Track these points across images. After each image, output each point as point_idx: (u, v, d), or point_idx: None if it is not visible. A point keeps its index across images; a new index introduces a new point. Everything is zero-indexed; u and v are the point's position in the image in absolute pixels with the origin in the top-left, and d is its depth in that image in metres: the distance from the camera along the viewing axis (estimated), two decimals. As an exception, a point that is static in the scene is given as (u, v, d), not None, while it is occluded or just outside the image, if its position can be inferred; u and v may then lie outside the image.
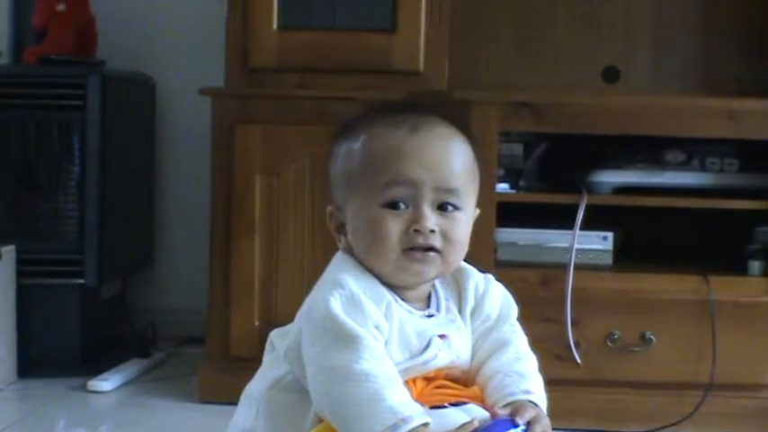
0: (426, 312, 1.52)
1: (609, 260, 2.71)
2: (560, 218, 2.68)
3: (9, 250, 2.95)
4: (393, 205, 1.46)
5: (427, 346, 1.49)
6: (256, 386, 1.55)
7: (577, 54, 3.12)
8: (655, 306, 2.64)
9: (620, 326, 2.64)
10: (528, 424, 1.42)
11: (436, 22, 2.80)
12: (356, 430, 1.37)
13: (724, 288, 2.62)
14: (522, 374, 1.51)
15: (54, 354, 3.03)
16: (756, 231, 2.68)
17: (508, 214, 2.65)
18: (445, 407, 1.44)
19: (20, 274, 2.98)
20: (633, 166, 2.73)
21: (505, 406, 1.46)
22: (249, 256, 2.76)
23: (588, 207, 2.64)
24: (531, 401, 1.47)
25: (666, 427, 2.60)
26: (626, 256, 2.74)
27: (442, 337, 1.51)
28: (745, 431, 2.62)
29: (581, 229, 2.64)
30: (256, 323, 2.76)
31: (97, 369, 2.98)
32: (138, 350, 3.19)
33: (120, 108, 3.14)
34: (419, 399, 1.44)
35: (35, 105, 3.03)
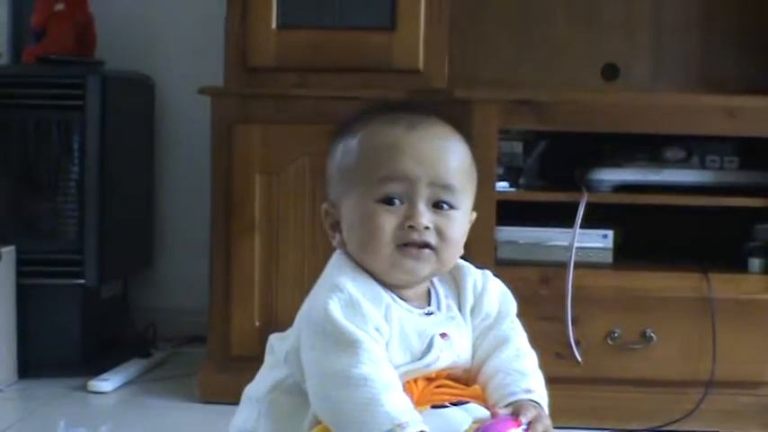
0: (426, 310, 1.52)
1: (609, 258, 2.71)
2: (560, 216, 2.67)
3: (9, 250, 2.95)
4: (388, 201, 1.47)
5: (429, 348, 1.49)
6: (257, 388, 1.55)
7: (577, 52, 3.12)
8: (655, 304, 2.64)
9: (620, 324, 2.64)
10: (529, 424, 1.42)
11: (436, 20, 2.80)
12: None
13: (724, 285, 2.62)
14: (523, 373, 1.52)
15: (54, 354, 3.03)
16: (756, 229, 2.67)
17: (508, 212, 2.65)
18: (446, 406, 1.44)
19: (20, 274, 2.98)
20: (633, 164, 2.73)
21: (507, 406, 1.46)
22: (249, 255, 2.76)
23: (588, 205, 2.64)
24: (532, 400, 1.47)
25: (667, 424, 2.60)
26: (626, 254, 2.74)
27: (443, 335, 1.51)
28: (745, 428, 2.62)
29: (581, 227, 2.64)
30: (257, 323, 2.76)
31: (98, 369, 2.98)
32: (139, 350, 3.19)
33: (119, 108, 3.14)
34: (420, 398, 1.44)
35: (34, 105, 3.03)
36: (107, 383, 2.90)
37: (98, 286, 3.09)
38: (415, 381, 1.47)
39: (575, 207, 2.64)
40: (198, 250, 3.14)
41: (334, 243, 1.54)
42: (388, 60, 2.79)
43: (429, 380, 1.49)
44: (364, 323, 1.42)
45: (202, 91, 2.80)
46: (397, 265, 1.47)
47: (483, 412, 1.45)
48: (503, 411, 1.44)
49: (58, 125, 3.02)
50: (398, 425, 1.35)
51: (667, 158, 2.74)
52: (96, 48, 3.31)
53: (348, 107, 1.59)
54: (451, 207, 1.49)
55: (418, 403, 1.43)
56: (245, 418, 1.54)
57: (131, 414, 2.71)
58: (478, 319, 1.57)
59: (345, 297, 1.44)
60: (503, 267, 2.61)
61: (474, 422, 1.42)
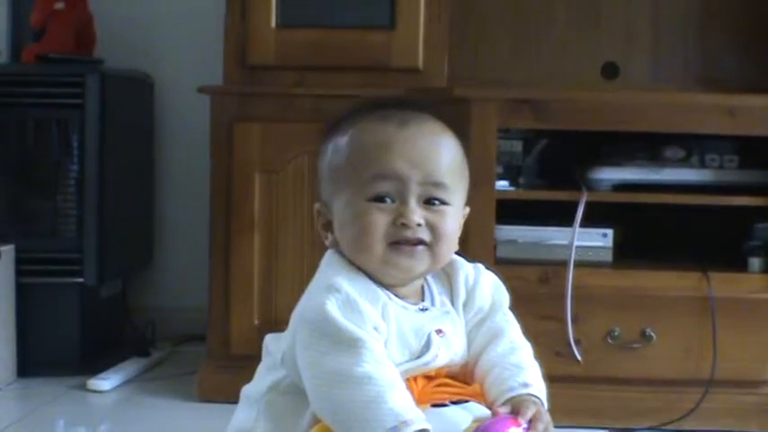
0: (420, 306, 1.52)
1: (609, 257, 2.70)
2: (560, 215, 2.67)
3: (8, 249, 2.94)
4: (379, 199, 1.46)
5: (428, 347, 1.49)
6: (255, 388, 1.55)
7: (577, 51, 3.12)
8: (655, 303, 2.64)
9: (620, 323, 2.63)
10: (529, 422, 1.42)
11: (435, 19, 2.80)
12: None
13: (724, 285, 2.62)
14: (520, 366, 1.51)
15: (53, 353, 3.03)
16: (756, 228, 2.67)
17: (508, 211, 2.65)
18: (446, 405, 1.44)
19: (19, 273, 2.98)
20: (633, 163, 2.73)
21: (506, 402, 1.46)
22: (248, 253, 2.76)
23: (588, 204, 2.64)
24: (530, 394, 1.47)
25: (667, 423, 2.60)
26: (626, 253, 2.74)
27: (438, 332, 1.51)
28: (746, 427, 2.62)
29: (581, 226, 2.64)
30: (256, 321, 2.76)
31: (97, 368, 2.98)
32: (138, 349, 3.19)
33: (118, 106, 3.14)
34: (420, 397, 1.44)
35: (34, 104, 3.03)
36: (106, 382, 2.90)
37: (97, 285, 3.09)
38: (415, 379, 1.47)
39: (574, 206, 2.64)
40: (197, 249, 3.14)
41: (327, 243, 1.53)
42: (387, 59, 2.79)
43: (429, 378, 1.49)
44: (363, 322, 1.42)
45: (202, 90, 2.80)
46: (390, 263, 1.47)
47: (483, 411, 1.45)
48: (502, 409, 1.44)
49: (58, 124, 3.02)
50: (403, 422, 1.35)
51: (667, 157, 2.74)
52: (96, 46, 3.31)
53: (347, 106, 1.58)
54: (443, 203, 1.49)
55: (418, 402, 1.43)
56: (244, 419, 1.54)
57: (130, 413, 2.71)
58: (471, 313, 1.57)
59: (343, 297, 1.43)
60: (502, 266, 2.59)
61: (474, 421, 1.42)
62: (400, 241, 1.46)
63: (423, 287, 1.55)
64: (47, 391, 2.86)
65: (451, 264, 1.57)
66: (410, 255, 1.47)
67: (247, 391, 1.57)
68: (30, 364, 3.00)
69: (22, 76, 3.07)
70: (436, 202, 1.48)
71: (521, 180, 2.74)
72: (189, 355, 3.22)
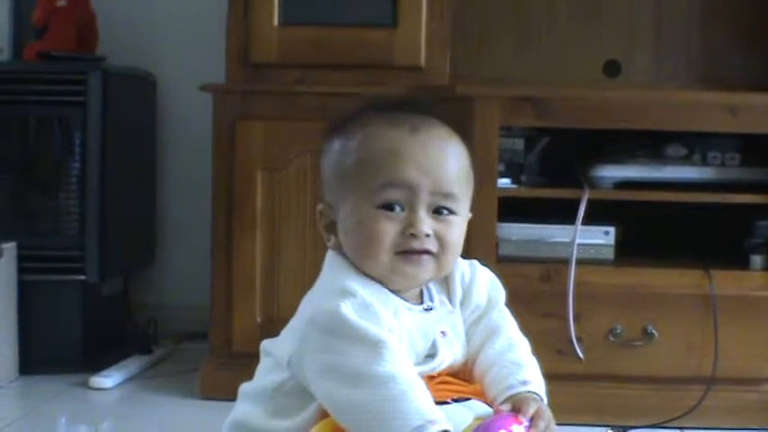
0: (424, 306, 1.52)
1: (611, 255, 2.70)
2: (562, 213, 2.67)
3: (10, 247, 2.95)
4: (388, 207, 1.45)
5: (435, 353, 1.49)
6: (256, 386, 1.53)
7: (579, 48, 3.12)
8: (657, 300, 2.64)
9: (622, 320, 2.64)
10: (531, 419, 1.42)
11: (437, 16, 2.80)
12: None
13: (726, 282, 2.62)
14: (518, 363, 1.51)
15: (55, 350, 3.03)
16: (758, 225, 2.67)
17: (509, 209, 2.65)
18: (448, 403, 1.44)
19: (21, 270, 2.98)
20: (635, 161, 2.73)
21: (506, 400, 1.46)
22: (251, 251, 2.76)
23: (590, 202, 2.64)
24: (530, 392, 1.47)
25: (669, 421, 2.60)
26: (628, 251, 2.74)
27: (442, 334, 1.51)
28: (747, 425, 2.62)
29: (583, 223, 2.64)
30: (258, 319, 2.76)
31: (99, 366, 2.98)
32: (140, 347, 3.19)
33: (121, 104, 3.14)
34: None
35: (36, 102, 3.03)
36: (108, 380, 2.90)
37: (99, 283, 3.09)
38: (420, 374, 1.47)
39: (576, 204, 2.64)
40: (199, 246, 3.14)
41: (329, 245, 1.52)
42: (389, 57, 2.79)
43: (430, 376, 1.49)
44: (380, 324, 1.41)
45: (204, 88, 2.80)
46: (396, 271, 1.46)
47: (484, 409, 1.45)
48: (503, 407, 1.44)
49: (60, 121, 3.03)
50: (429, 421, 1.34)
51: (669, 155, 2.74)
52: (98, 44, 3.31)
53: (350, 104, 1.58)
54: (451, 213, 1.48)
55: (420, 400, 1.42)
56: (246, 412, 1.53)
57: (132, 411, 2.71)
58: (468, 310, 1.57)
59: (359, 301, 1.42)
60: (504, 264, 2.62)
61: (475, 419, 1.42)
62: (407, 251, 1.46)
63: (421, 287, 1.55)
64: (49, 389, 2.86)
65: None
66: (417, 264, 1.46)
67: (248, 388, 1.56)
68: (31, 361, 3.00)
69: (24, 73, 3.08)
70: (444, 212, 1.47)
71: (523, 178, 2.74)
72: (191, 352, 3.22)
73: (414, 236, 1.45)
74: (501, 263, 2.62)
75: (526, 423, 1.41)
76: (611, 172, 2.71)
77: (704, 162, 2.72)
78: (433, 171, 1.46)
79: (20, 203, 3.07)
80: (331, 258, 1.52)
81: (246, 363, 1.59)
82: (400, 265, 1.46)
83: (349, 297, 1.42)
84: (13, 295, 2.95)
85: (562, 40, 3.13)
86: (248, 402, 1.54)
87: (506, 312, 1.59)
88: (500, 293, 1.60)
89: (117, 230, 3.13)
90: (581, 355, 2.63)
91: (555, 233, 2.70)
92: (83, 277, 3.04)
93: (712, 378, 2.60)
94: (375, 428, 1.36)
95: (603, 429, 2.60)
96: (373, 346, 1.38)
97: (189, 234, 3.46)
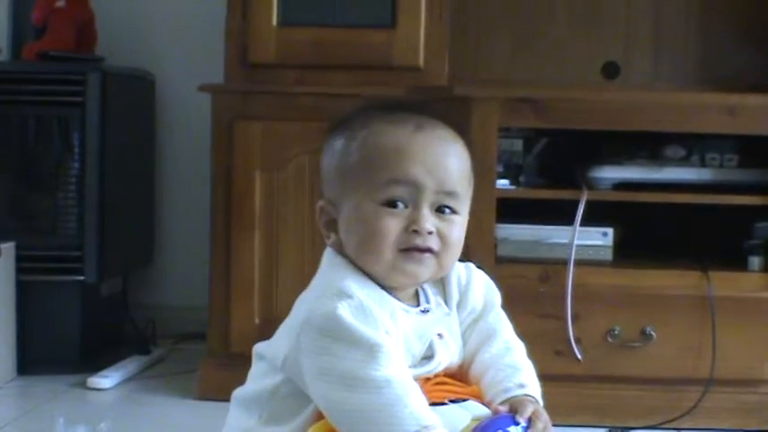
0: (421, 308, 1.52)
1: (609, 256, 2.71)
2: (560, 214, 2.67)
3: (9, 247, 2.95)
4: (392, 204, 1.45)
5: (431, 355, 1.49)
6: (250, 391, 1.52)
7: (577, 50, 3.13)
8: (655, 301, 2.64)
9: (620, 321, 2.64)
10: (529, 420, 1.42)
11: (436, 17, 2.80)
12: None
13: (724, 283, 2.62)
14: (515, 367, 1.51)
15: (54, 351, 3.03)
16: (756, 227, 2.67)
17: (508, 210, 2.65)
18: (445, 404, 1.44)
19: (19, 270, 2.98)
20: (633, 162, 2.73)
21: (503, 403, 1.46)
22: (249, 252, 2.76)
23: (588, 203, 2.64)
24: (527, 395, 1.47)
25: (667, 422, 2.60)
26: (626, 252, 2.74)
27: (439, 336, 1.51)
28: (745, 426, 2.62)
29: (581, 224, 2.64)
30: (257, 320, 2.76)
31: (97, 366, 2.98)
32: (138, 347, 3.19)
33: (119, 104, 3.14)
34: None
35: (35, 102, 3.03)
36: (106, 380, 2.90)
37: (98, 283, 3.09)
38: (414, 379, 1.47)
39: (575, 205, 2.64)
40: (198, 247, 3.14)
41: (329, 243, 1.52)
42: (388, 58, 2.79)
43: (427, 377, 1.49)
44: (376, 327, 1.41)
45: (203, 88, 2.80)
46: (398, 269, 1.46)
47: (482, 410, 1.45)
48: (501, 408, 1.44)
49: (59, 121, 3.03)
50: (424, 426, 1.34)
51: (667, 156, 2.74)
52: (97, 44, 3.31)
53: (349, 104, 1.58)
54: (453, 212, 1.48)
55: (418, 401, 1.42)
56: (241, 419, 1.52)
57: (130, 411, 2.71)
58: (465, 313, 1.57)
59: (356, 303, 1.41)
60: (503, 265, 2.62)
61: (473, 420, 1.42)
62: (410, 248, 1.46)
63: (417, 289, 1.55)
64: (47, 389, 2.86)
65: None
66: (418, 262, 1.46)
67: (241, 394, 1.55)
68: (30, 361, 3.00)
69: (23, 73, 3.07)
70: (447, 211, 1.48)
71: (521, 179, 2.74)
72: (189, 353, 3.22)
73: (416, 232, 1.45)
74: (499, 264, 2.62)
75: (524, 424, 1.41)
76: (610, 173, 2.72)
77: (702, 163, 2.73)
78: (437, 169, 1.46)
79: (18, 203, 3.06)
80: (329, 257, 1.52)
81: (244, 364, 1.59)
82: (402, 263, 1.46)
83: (346, 299, 1.42)
84: (11, 295, 2.95)
85: (561, 41, 3.13)
86: (243, 410, 1.53)
87: (503, 315, 1.59)
88: (496, 296, 1.60)
89: (115, 231, 3.13)
90: (579, 356, 2.63)
91: (553, 234, 2.70)
92: (81, 277, 3.04)
93: (710, 379, 2.60)
94: None
95: (602, 430, 2.60)
96: (369, 349, 1.38)
97: (187, 234, 3.46)
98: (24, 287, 2.99)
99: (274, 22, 2.80)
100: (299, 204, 2.74)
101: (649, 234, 2.86)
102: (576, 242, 2.64)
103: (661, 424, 2.60)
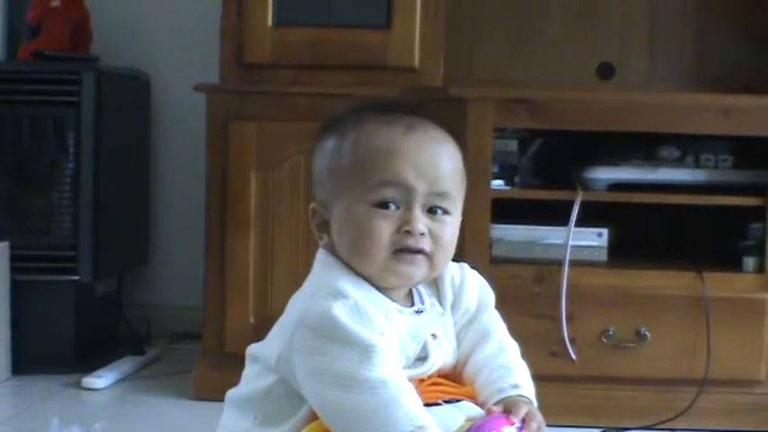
0: (415, 308, 1.52)
1: (604, 256, 2.71)
2: (555, 214, 2.68)
3: (3, 246, 2.94)
4: (384, 205, 1.45)
5: (425, 355, 1.49)
6: (244, 392, 1.52)
7: (572, 50, 3.13)
8: (649, 302, 2.64)
9: (614, 322, 2.64)
10: (523, 421, 1.42)
11: (431, 18, 2.80)
12: None
13: (718, 284, 2.63)
14: (508, 367, 1.52)
15: (48, 350, 3.03)
16: (750, 228, 2.68)
17: (503, 211, 2.65)
18: (440, 404, 1.44)
19: (14, 270, 2.98)
20: (628, 163, 2.73)
21: (497, 403, 1.46)
22: (244, 252, 2.76)
23: (583, 203, 2.64)
24: (521, 395, 1.47)
25: (661, 422, 2.60)
26: (621, 253, 2.74)
27: (433, 336, 1.50)
28: (739, 427, 2.62)
29: (576, 225, 2.64)
30: (251, 320, 2.76)
31: (91, 366, 2.98)
32: (133, 347, 3.19)
33: (114, 104, 3.14)
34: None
35: (29, 101, 3.03)
36: (101, 380, 2.90)
37: (92, 283, 3.09)
38: (410, 378, 1.47)
39: (569, 205, 2.64)
40: (193, 247, 3.14)
41: (321, 244, 1.52)
42: (383, 58, 2.79)
43: (421, 378, 1.49)
44: (371, 328, 1.41)
45: (198, 88, 2.80)
46: (390, 270, 1.46)
47: (476, 410, 1.45)
48: (495, 409, 1.44)
49: (53, 121, 3.02)
50: (419, 427, 1.35)
51: (662, 157, 2.75)
52: (92, 44, 3.30)
53: (343, 105, 1.58)
54: (445, 212, 1.48)
55: (413, 401, 1.42)
56: (236, 421, 1.52)
57: (125, 411, 2.71)
58: (459, 314, 1.57)
59: (351, 303, 1.41)
60: (497, 265, 2.62)
61: (467, 420, 1.42)
62: (402, 249, 1.45)
63: (411, 289, 1.55)
64: (41, 389, 2.86)
65: None
66: (410, 263, 1.46)
67: (235, 395, 1.55)
68: (24, 361, 2.99)
69: (18, 73, 3.07)
70: (439, 211, 1.48)
71: (516, 179, 2.74)
72: (184, 353, 3.22)
73: (409, 233, 1.45)
74: (494, 264, 2.62)
75: (518, 424, 1.41)
76: (605, 174, 2.72)
77: (697, 164, 2.73)
78: (429, 170, 1.46)
79: (13, 203, 3.06)
80: (322, 258, 1.52)
81: (239, 364, 1.59)
82: (394, 264, 1.46)
83: (341, 298, 1.42)
84: (5, 295, 2.95)
85: (556, 41, 3.13)
86: (237, 411, 1.53)
87: (496, 315, 1.59)
88: (489, 296, 1.60)
89: (110, 230, 3.12)
90: (574, 357, 2.63)
91: (548, 235, 2.70)
92: (76, 277, 3.04)
93: (705, 380, 2.60)
94: None
95: (596, 431, 2.60)
96: (364, 349, 1.38)
97: (182, 234, 3.46)
98: (19, 287, 2.99)
99: (269, 21, 2.80)
100: (294, 204, 2.74)
101: (644, 235, 2.87)
102: (570, 243, 2.65)
103: (655, 424, 2.61)
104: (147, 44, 3.48)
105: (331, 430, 1.40)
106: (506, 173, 2.73)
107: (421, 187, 1.45)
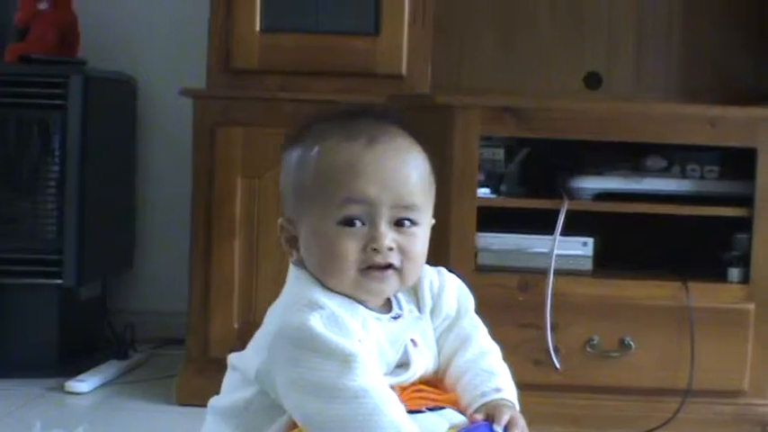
0: (393, 314, 1.51)
1: (589, 266, 2.71)
2: (541, 223, 2.68)
3: (-12, 250, 2.94)
4: (349, 223, 1.43)
5: (407, 363, 1.48)
6: (225, 403, 1.51)
7: (560, 60, 3.13)
8: (634, 312, 2.64)
9: (599, 331, 2.64)
10: (506, 428, 1.42)
11: (419, 25, 2.80)
12: None
13: (703, 294, 2.63)
14: (490, 371, 1.51)
15: (31, 354, 3.02)
16: (735, 238, 2.68)
17: (489, 219, 2.65)
18: (422, 411, 1.44)
19: (-2, 273, 2.97)
20: (614, 173, 2.74)
21: (479, 408, 1.46)
22: (229, 258, 2.75)
23: (569, 213, 2.65)
24: (503, 399, 1.47)
25: (645, 432, 2.61)
26: (606, 262, 2.75)
27: (413, 343, 1.50)
28: (723, 437, 2.63)
29: (561, 234, 2.65)
30: (236, 325, 2.75)
31: (75, 370, 2.97)
32: (117, 352, 3.18)
33: (101, 108, 3.13)
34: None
35: (16, 104, 3.02)
36: (84, 384, 2.89)
37: (77, 287, 3.08)
38: (392, 386, 1.46)
39: (555, 214, 2.64)
40: (178, 252, 3.13)
41: (292, 260, 1.50)
42: (371, 65, 2.79)
43: (403, 386, 1.48)
44: (349, 337, 1.40)
45: (184, 92, 2.80)
46: (361, 287, 1.45)
47: (459, 418, 1.45)
48: (477, 415, 1.44)
49: (39, 124, 3.01)
50: None
51: (648, 167, 2.75)
52: (79, 47, 3.30)
53: (308, 115, 1.55)
54: (413, 224, 1.46)
55: (395, 408, 1.42)
56: (220, 428, 1.51)
57: (108, 416, 2.70)
58: (439, 319, 1.56)
59: (327, 313, 1.40)
60: (483, 273, 2.62)
61: (450, 428, 1.42)
62: (371, 266, 1.44)
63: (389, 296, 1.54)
64: (24, 393, 2.85)
65: None
66: (380, 280, 1.45)
67: (217, 404, 1.54)
68: (7, 365, 2.99)
69: (4, 75, 3.06)
70: (406, 223, 1.45)
71: (502, 188, 2.74)
72: (168, 358, 3.21)
73: (376, 251, 1.43)
74: (479, 272, 2.62)
75: (501, 431, 1.41)
76: (591, 183, 2.72)
77: (683, 174, 2.73)
78: (393, 184, 1.43)
79: (-2, 206, 3.05)
80: (294, 273, 1.50)
81: (223, 369, 1.59)
82: (364, 282, 1.44)
83: (317, 309, 1.40)
84: (-11, 298, 2.94)
85: (544, 51, 3.14)
86: (219, 420, 1.52)
87: (477, 320, 1.58)
88: (469, 301, 1.59)
89: (95, 235, 3.12)
90: (558, 366, 2.63)
91: (533, 243, 2.70)
92: (60, 281, 3.03)
93: (688, 390, 2.60)
94: None
95: (579, 440, 2.61)
96: (344, 359, 1.37)
97: (168, 239, 3.45)
98: (3, 290, 2.98)
99: (257, 27, 2.80)
100: (279, 211, 2.73)
101: (629, 244, 2.87)
102: (555, 252, 2.65)
103: (639, 434, 2.61)
104: (135, 49, 3.48)
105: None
106: (493, 181, 2.73)
107: (385, 201, 1.43)
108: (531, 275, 2.65)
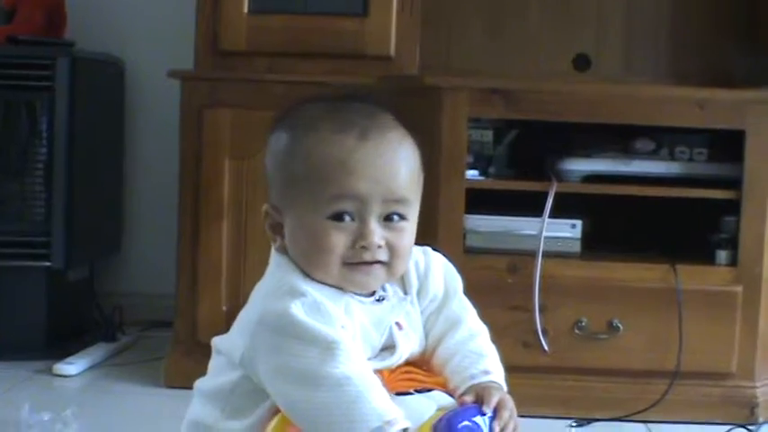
0: (376, 296, 1.50)
1: (577, 248, 2.71)
2: (529, 205, 2.68)
3: (-25, 232, 2.93)
4: (338, 217, 1.42)
5: (392, 348, 1.47)
6: (210, 385, 1.51)
7: (549, 42, 3.13)
8: (622, 294, 2.65)
9: (587, 313, 2.64)
10: (495, 410, 1.42)
11: (408, 6, 2.80)
12: None
13: (691, 277, 2.63)
14: (479, 353, 1.51)
15: (19, 337, 3.02)
16: (724, 221, 2.68)
17: (477, 201, 2.65)
18: (411, 393, 1.44)
19: (-15, 255, 2.96)
20: (603, 155, 2.74)
21: (468, 390, 1.45)
22: (217, 240, 2.75)
23: (557, 195, 2.64)
24: (492, 381, 1.47)
25: (633, 414, 2.61)
26: (594, 245, 2.75)
27: (398, 326, 1.49)
28: (711, 419, 2.63)
29: (550, 216, 2.65)
30: (224, 308, 2.75)
31: (63, 353, 2.97)
32: (105, 334, 3.17)
33: (88, 90, 3.12)
34: (385, 386, 1.43)
35: (2, 86, 3.00)
36: (72, 367, 2.89)
37: (65, 269, 3.07)
38: (380, 369, 1.46)
39: (544, 196, 2.64)
40: (166, 234, 3.12)
41: (275, 246, 1.49)
42: (359, 46, 2.78)
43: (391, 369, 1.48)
44: (332, 323, 1.39)
45: (172, 74, 2.79)
46: (347, 280, 1.44)
47: (447, 400, 1.45)
48: (466, 397, 1.44)
49: (27, 106, 3.00)
50: (387, 422, 1.33)
51: (637, 149, 2.75)
52: (66, 29, 3.28)
53: (297, 99, 1.54)
54: (402, 218, 1.45)
55: (383, 391, 1.42)
56: (203, 413, 1.51)
57: (96, 398, 2.70)
58: (426, 301, 1.55)
59: (309, 301, 1.40)
60: (471, 256, 2.62)
61: (438, 410, 1.42)
62: (359, 263, 1.44)
63: None
64: (12, 376, 2.84)
65: None
66: (367, 273, 1.44)
67: (203, 386, 1.53)
68: (-5, 347, 2.98)
69: (-8, 57, 3.05)
70: (396, 218, 1.45)
71: (491, 170, 2.74)
72: (156, 340, 3.21)
73: (365, 248, 1.43)
74: (468, 254, 2.62)
75: (490, 414, 1.41)
76: (579, 165, 2.72)
77: (672, 157, 2.73)
78: (384, 180, 1.42)
79: (-15, 189, 3.04)
80: (277, 260, 1.49)
81: (211, 352, 1.58)
82: (350, 275, 1.44)
83: (299, 297, 1.40)
84: (-23, 281, 2.94)
85: (532, 32, 3.13)
86: (205, 401, 1.52)
87: (466, 301, 1.57)
88: (457, 281, 1.58)
89: (83, 217, 3.11)
90: (546, 348, 2.63)
91: (522, 225, 2.70)
92: (48, 263, 3.02)
93: (677, 372, 2.61)
94: (333, 431, 1.35)
95: (568, 422, 2.61)
96: (326, 347, 1.36)
97: (156, 222, 3.45)
98: (-10, 273, 2.97)
99: (245, 8, 2.79)
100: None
101: (618, 227, 2.87)
102: (544, 234, 2.65)
103: (627, 416, 2.61)
104: (122, 30, 3.46)
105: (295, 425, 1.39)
106: (481, 163, 2.73)
107: (376, 197, 1.42)
108: (520, 257, 2.65)
